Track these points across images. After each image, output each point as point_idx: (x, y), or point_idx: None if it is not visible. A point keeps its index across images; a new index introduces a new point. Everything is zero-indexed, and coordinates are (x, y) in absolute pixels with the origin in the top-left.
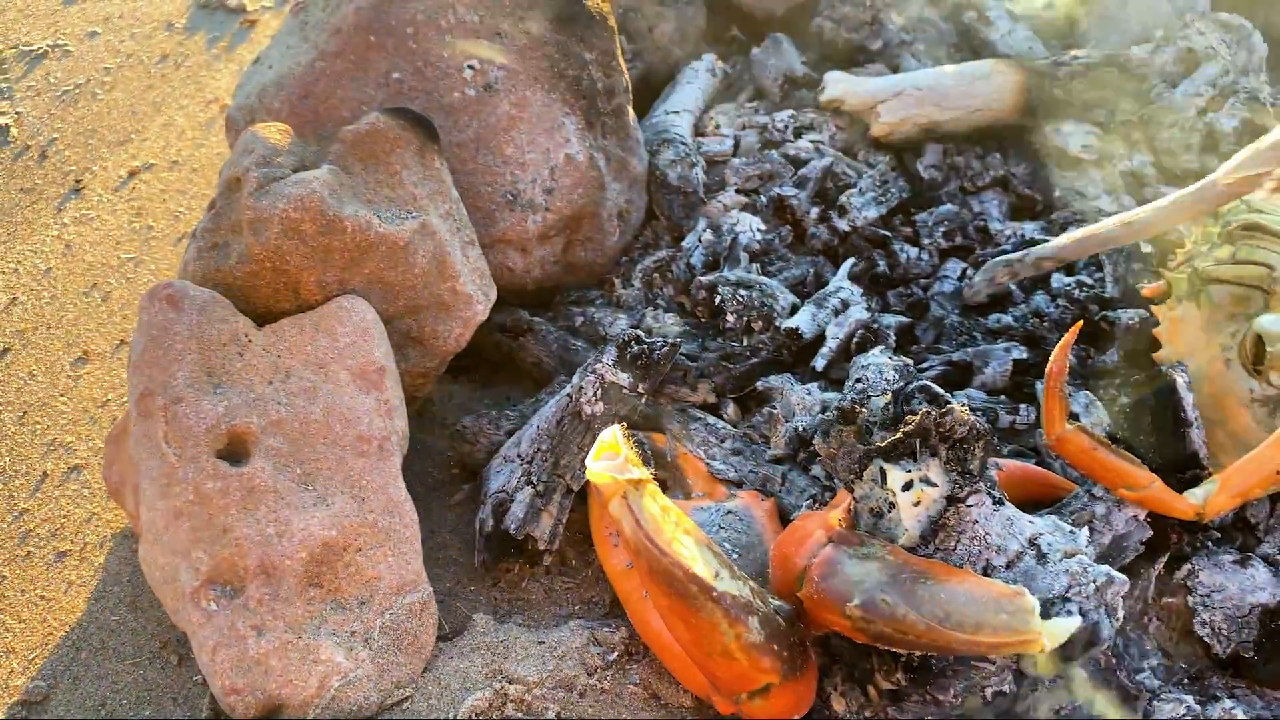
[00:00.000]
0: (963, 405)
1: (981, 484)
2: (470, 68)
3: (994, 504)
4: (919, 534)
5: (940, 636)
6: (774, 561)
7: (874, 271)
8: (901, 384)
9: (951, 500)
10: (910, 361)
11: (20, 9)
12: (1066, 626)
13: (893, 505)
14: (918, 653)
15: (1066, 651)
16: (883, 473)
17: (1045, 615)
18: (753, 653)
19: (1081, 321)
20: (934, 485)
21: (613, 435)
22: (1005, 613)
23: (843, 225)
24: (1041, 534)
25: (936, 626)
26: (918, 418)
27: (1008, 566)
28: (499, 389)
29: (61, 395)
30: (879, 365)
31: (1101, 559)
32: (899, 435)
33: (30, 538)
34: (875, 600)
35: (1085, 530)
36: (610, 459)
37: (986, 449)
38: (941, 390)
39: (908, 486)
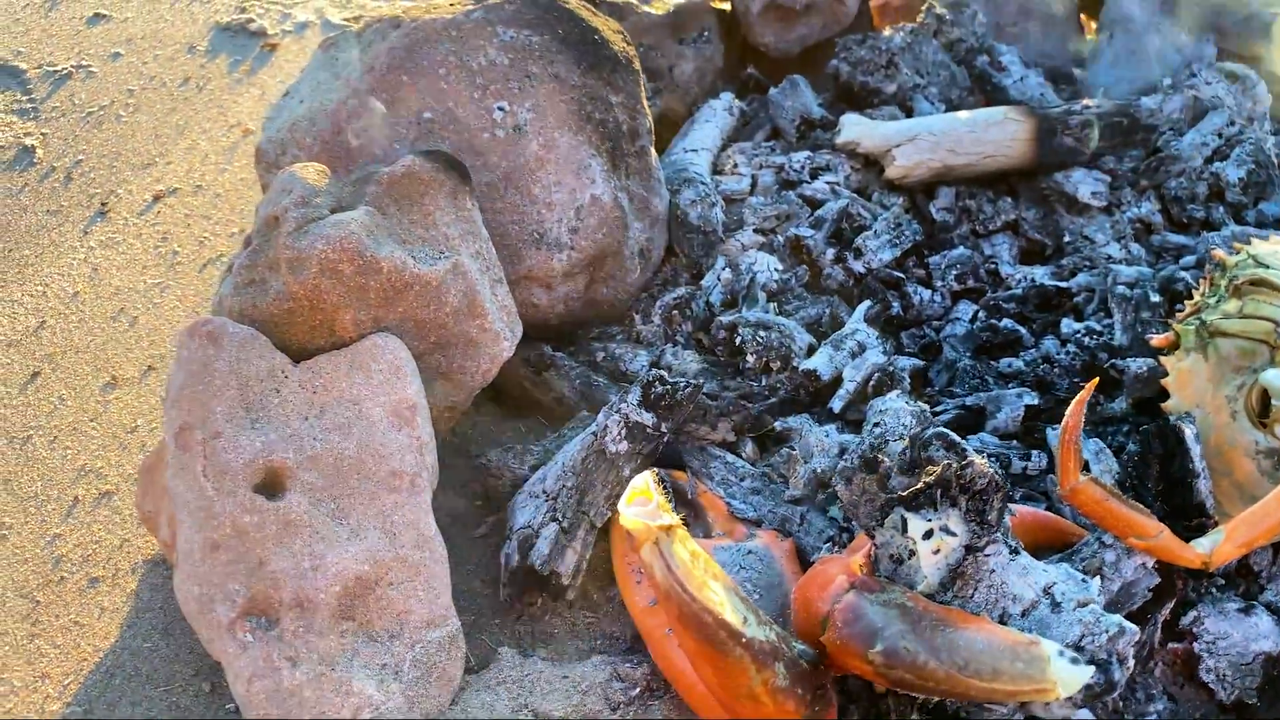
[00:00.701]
0: (981, 455)
1: (999, 534)
2: (500, 109)
3: (1010, 553)
4: (938, 581)
5: (959, 684)
6: (796, 605)
7: (888, 314)
8: (918, 429)
9: (970, 549)
10: (927, 407)
11: (44, 29)
12: (1080, 675)
13: (913, 553)
14: (935, 697)
15: (1079, 698)
16: (904, 521)
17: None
18: (778, 696)
19: (1098, 379)
20: (953, 535)
21: (644, 481)
22: (1021, 661)
23: (858, 267)
24: (1055, 583)
25: (955, 674)
26: (939, 469)
27: (1023, 615)
28: (522, 422)
29: (91, 420)
30: (897, 410)
31: (1111, 605)
32: (920, 485)
33: (63, 563)
34: (897, 647)
35: (1097, 580)
36: (642, 504)
37: (1004, 500)
38: (958, 438)
39: (928, 535)
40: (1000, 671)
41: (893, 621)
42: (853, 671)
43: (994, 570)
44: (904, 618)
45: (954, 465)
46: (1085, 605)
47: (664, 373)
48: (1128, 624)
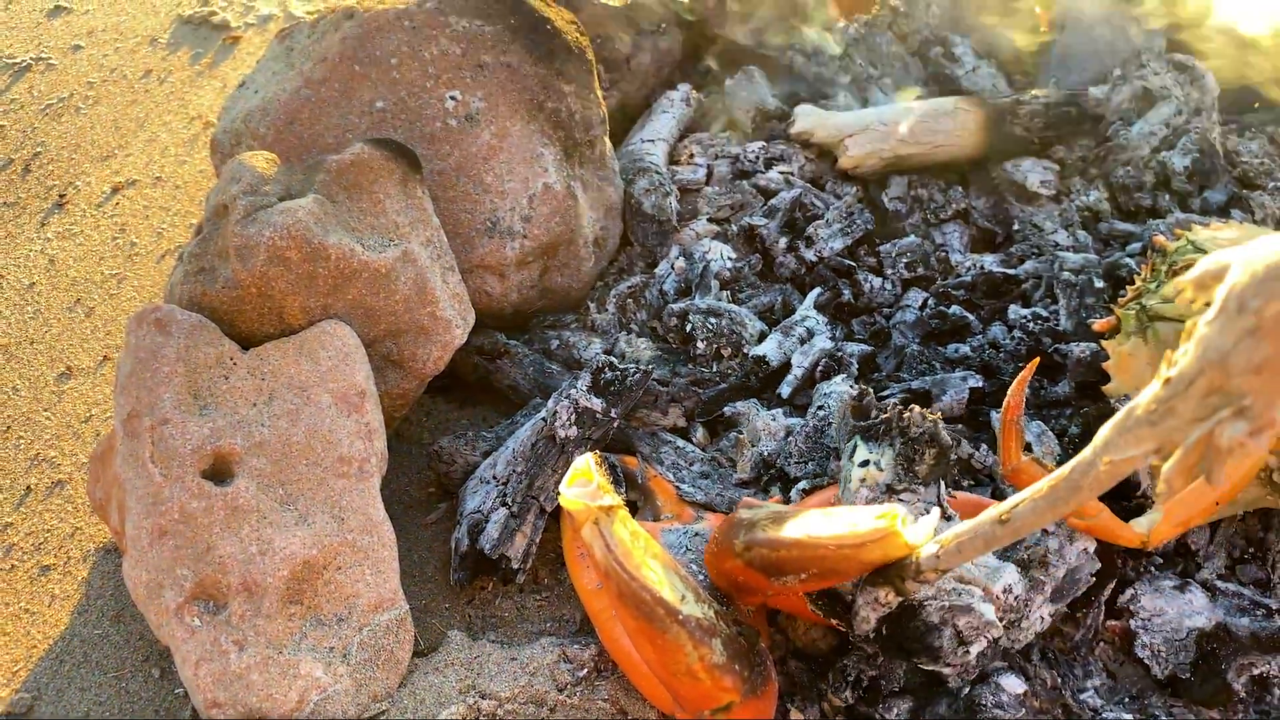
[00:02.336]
0: (933, 416)
1: (920, 488)
2: (452, 98)
3: (926, 511)
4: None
5: (809, 547)
6: (707, 548)
7: (838, 301)
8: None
9: (889, 489)
10: (871, 390)
11: (3, 21)
12: (928, 523)
13: (850, 477)
14: (804, 577)
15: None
16: (854, 448)
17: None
18: (715, 673)
19: (1038, 359)
20: (880, 471)
21: (585, 463)
22: (869, 516)
23: (810, 255)
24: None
25: (805, 539)
26: (890, 408)
27: None
28: (475, 410)
29: (45, 410)
30: (840, 394)
31: (1056, 593)
32: (877, 420)
33: (14, 551)
34: (755, 534)
35: (1010, 569)
36: (583, 485)
37: (940, 459)
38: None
39: (864, 464)
40: (849, 531)
41: (758, 517)
42: (734, 577)
43: None
44: (767, 513)
45: (899, 408)
46: (967, 584)
47: (613, 359)
48: (990, 612)
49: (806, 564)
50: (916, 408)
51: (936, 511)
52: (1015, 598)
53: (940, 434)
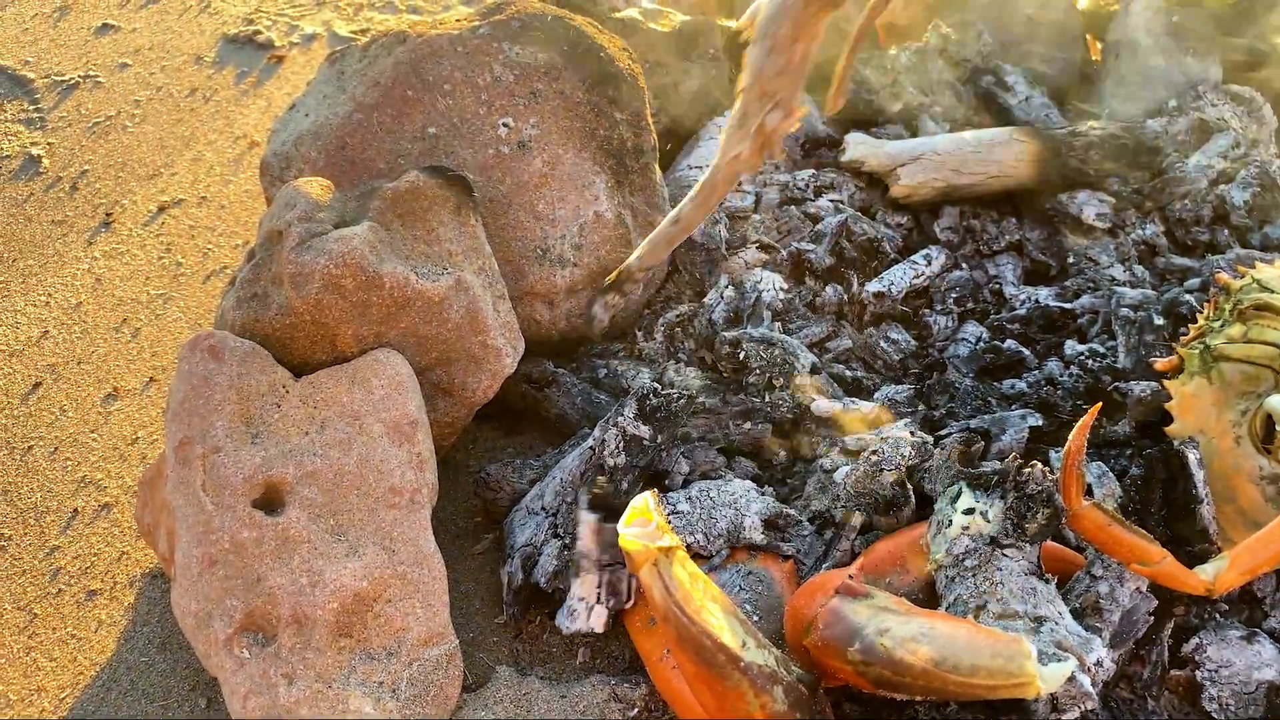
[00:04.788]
0: (1052, 476)
1: (1027, 545)
2: (505, 125)
3: (1030, 571)
4: (954, 553)
5: (935, 679)
6: (788, 615)
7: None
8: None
9: (994, 542)
10: (930, 438)
11: (53, 39)
12: (1061, 671)
13: (950, 522)
14: (919, 698)
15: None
16: (959, 493)
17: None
18: None
19: (1101, 404)
20: (987, 522)
21: (645, 501)
22: (1001, 656)
23: (868, 293)
24: (1051, 620)
25: (932, 669)
26: (1005, 460)
27: (998, 617)
28: (523, 438)
29: (92, 431)
30: (896, 440)
31: (1115, 637)
32: (989, 471)
33: (61, 575)
34: (874, 644)
35: (1099, 641)
36: (642, 525)
37: (1051, 519)
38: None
39: (969, 512)
40: (979, 666)
41: (872, 621)
42: (837, 675)
43: (1001, 570)
44: (884, 618)
45: (1019, 463)
46: (1065, 651)
47: (656, 385)
48: (1089, 684)
49: (928, 691)
50: (1038, 464)
51: (1074, 661)
52: (1105, 671)
53: (1055, 495)
